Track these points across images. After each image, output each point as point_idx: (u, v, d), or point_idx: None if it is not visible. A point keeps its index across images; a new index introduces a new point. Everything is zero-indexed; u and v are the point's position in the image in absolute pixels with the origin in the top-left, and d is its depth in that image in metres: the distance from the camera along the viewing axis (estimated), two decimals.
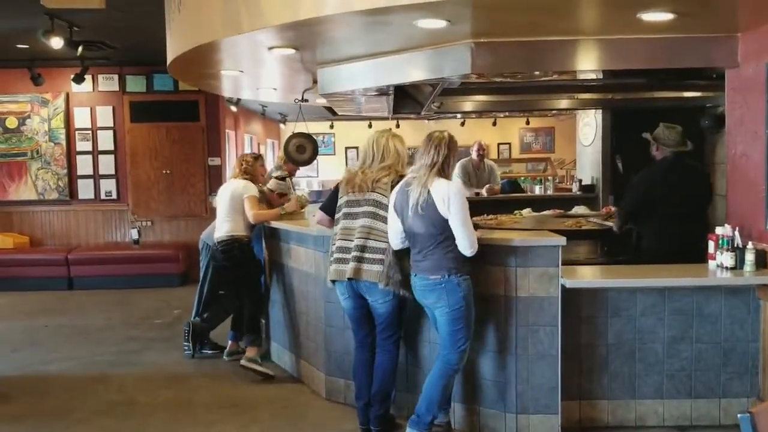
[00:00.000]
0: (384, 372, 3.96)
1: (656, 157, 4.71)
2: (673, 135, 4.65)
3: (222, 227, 5.40)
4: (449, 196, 3.50)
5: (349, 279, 3.85)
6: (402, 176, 3.83)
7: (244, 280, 5.43)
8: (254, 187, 5.47)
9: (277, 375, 5.18)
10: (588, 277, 4.02)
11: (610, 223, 5.20)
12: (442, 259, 3.57)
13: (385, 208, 3.81)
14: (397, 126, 13.43)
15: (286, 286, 5.27)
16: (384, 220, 3.82)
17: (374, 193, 3.87)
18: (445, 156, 3.56)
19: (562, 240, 3.82)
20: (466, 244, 3.55)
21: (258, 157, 5.74)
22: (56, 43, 6.49)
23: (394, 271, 3.74)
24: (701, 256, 4.17)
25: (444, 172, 3.58)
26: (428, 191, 3.51)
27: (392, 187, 3.80)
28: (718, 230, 3.99)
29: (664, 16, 3.62)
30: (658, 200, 4.56)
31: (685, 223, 4.48)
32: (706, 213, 4.76)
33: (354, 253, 3.84)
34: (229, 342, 5.65)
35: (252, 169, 5.57)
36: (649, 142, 4.71)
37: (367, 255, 3.82)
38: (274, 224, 5.29)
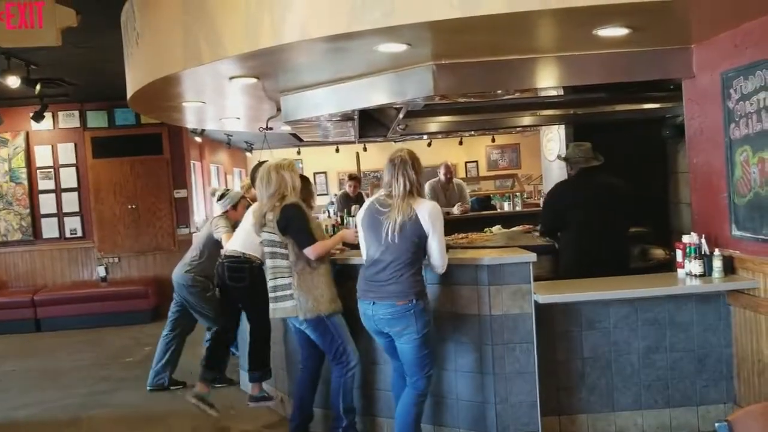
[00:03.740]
0: (344, 385, 4.00)
1: (569, 173, 4.85)
2: (580, 152, 4.76)
3: (236, 241, 4.87)
4: (434, 214, 3.49)
5: None
6: (284, 196, 3.93)
7: (252, 307, 4.82)
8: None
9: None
10: (560, 291, 4.02)
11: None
12: (408, 283, 3.50)
13: (279, 244, 3.96)
14: (365, 149, 13.46)
15: None
16: (282, 256, 3.94)
17: (267, 234, 4.02)
18: (414, 178, 3.51)
19: (532, 256, 3.83)
20: (440, 262, 3.56)
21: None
22: (13, 82, 6.38)
23: (305, 298, 3.89)
24: (620, 270, 4.34)
25: (419, 192, 3.56)
26: (413, 210, 3.46)
27: (277, 222, 3.91)
28: (685, 239, 4.05)
29: (619, 32, 3.69)
30: (568, 215, 4.64)
31: (597, 236, 4.55)
32: (623, 226, 4.79)
33: (271, 294, 4.06)
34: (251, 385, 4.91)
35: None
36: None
37: (279, 294, 4.00)
38: None
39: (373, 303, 3.55)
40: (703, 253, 3.95)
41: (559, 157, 4.88)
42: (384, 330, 3.60)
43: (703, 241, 3.98)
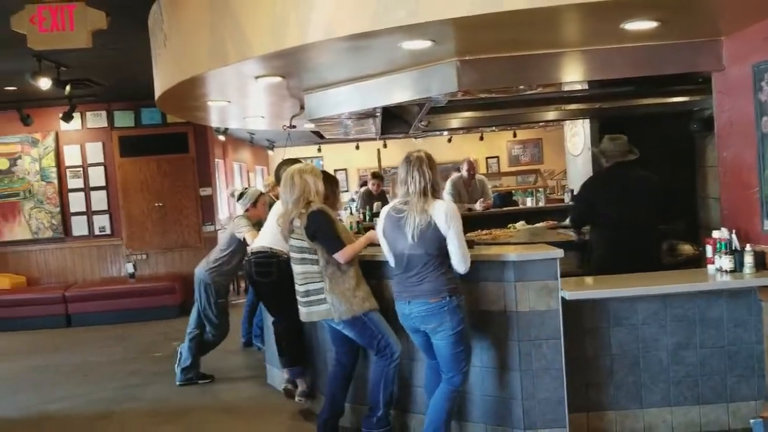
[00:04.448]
0: (385, 376, 4.01)
1: (603, 166, 4.80)
2: (616, 146, 4.69)
3: (263, 237, 4.96)
4: (450, 215, 3.50)
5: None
6: (309, 201, 3.94)
7: (279, 303, 4.87)
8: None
9: (277, 399, 5.11)
10: (588, 288, 4.00)
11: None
12: (440, 281, 3.54)
13: (308, 250, 3.99)
14: (384, 146, 13.47)
15: None
16: (312, 261, 3.98)
17: (295, 240, 4.05)
18: (431, 177, 3.52)
19: (559, 252, 3.81)
20: (462, 261, 3.55)
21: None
22: (44, 83, 6.49)
23: (339, 301, 3.90)
24: (651, 264, 4.28)
25: (436, 192, 3.57)
26: (429, 215, 3.49)
27: (305, 229, 3.92)
28: (715, 234, 3.99)
29: (647, 25, 3.65)
30: (602, 209, 4.60)
31: (630, 231, 4.49)
32: (656, 221, 4.75)
33: (302, 299, 4.09)
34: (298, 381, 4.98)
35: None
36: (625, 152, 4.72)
37: (312, 298, 4.02)
38: None
39: (409, 302, 3.62)
40: (733, 248, 3.90)
41: (592, 150, 4.82)
42: (420, 327, 3.65)
43: (734, 236, 3.93)
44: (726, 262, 3.89)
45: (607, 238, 4.61)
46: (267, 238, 4.92)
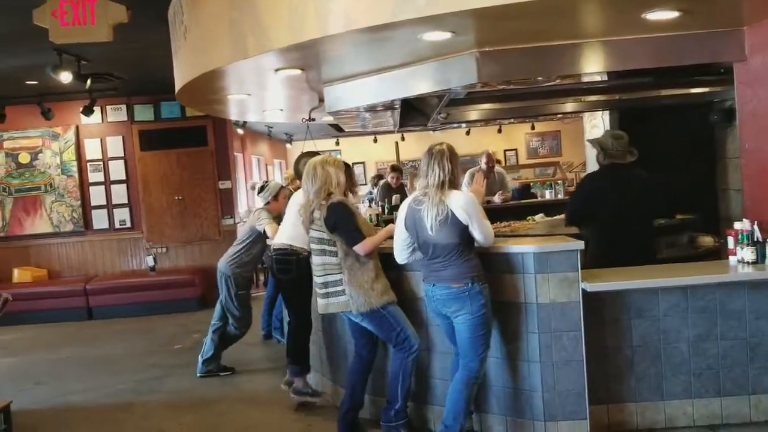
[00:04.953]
0: (404, 369, 4.01)
1: (601, 162, 4.67)
2: (617, 145, 4.55)
3: (283, 234, 4.96)
4: (467, 204, 3.59)
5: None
6: (329, 192, 3.96)
7: (295, 300, 4.95)
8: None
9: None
10: (609, 279, 3.97)
11: None
12: (463, 267, 3.62)
13: (328, 242, 4.00)
14: (402, 139, 13.46)
15: None
16: (332, 253, 4.00)
17: (315, 231, 4.06)
18: (450, 170, 3.62)
19: (580, 244, 3.80)
20: (484, 238, 3.66)
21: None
22: (65, 77, 6.55)
23: (357, 293, 3.91)
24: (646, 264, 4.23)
25: (453, 185, 3.65)
26: (447, 206, 3.57)
27: (325, 221, 3.94)
28: (737, 225, 3.96)
29: (669, 15, 3.62)
30: (597, 207, 4.52)
31: (626, 230, 4.43)
32: (652, 221, 4.71)
33: (320, 291, 4.09)
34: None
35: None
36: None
37: (330, 290, 4.03)
38: None
39: (433, 284, 3.72)
40: (755, 239, 3.87)
41: (592, 142, 4.72)
42: (442, 310, 3.73)
43: (756, 227, 3.89)
44: (748, 253, 3.86)
45: (603, 236, 4.52)
46: (287, 233, 4.93)
